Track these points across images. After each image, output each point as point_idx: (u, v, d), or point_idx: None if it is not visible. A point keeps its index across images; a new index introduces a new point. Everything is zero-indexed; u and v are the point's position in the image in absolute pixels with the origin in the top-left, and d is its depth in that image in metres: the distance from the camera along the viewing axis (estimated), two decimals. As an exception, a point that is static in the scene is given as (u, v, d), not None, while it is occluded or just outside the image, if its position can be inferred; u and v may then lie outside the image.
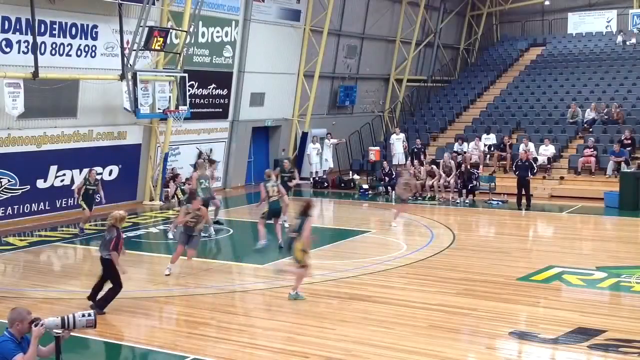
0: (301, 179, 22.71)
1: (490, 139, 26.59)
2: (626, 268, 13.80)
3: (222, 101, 25.43)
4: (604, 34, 34.92)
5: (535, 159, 23.55)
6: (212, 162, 20.72)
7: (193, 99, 23.06)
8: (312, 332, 10.11)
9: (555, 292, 12.40)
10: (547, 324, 10.42)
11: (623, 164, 23.03)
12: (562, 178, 24.45)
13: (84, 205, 17.63)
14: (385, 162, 25.86)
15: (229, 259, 15.47)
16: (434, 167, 24.05)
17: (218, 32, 24.56)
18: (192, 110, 22.17)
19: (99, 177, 21.35)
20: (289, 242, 12.13)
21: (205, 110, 24.63)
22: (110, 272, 11.09)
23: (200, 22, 22.96)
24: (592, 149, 24.31)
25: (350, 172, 27.89)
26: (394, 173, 25.24)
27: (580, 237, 18.48)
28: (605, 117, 26.57)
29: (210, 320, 10.74)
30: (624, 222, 19.97)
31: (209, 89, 24.72)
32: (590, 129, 26.35)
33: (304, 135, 28.38)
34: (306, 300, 11.78)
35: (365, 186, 25.67)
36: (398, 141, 26.89)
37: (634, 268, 13.75)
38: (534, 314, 11.23)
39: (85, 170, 20.84)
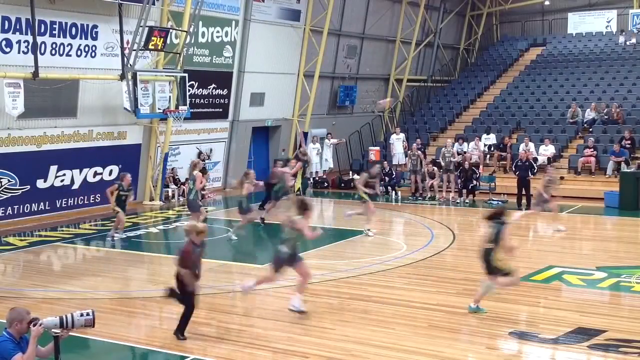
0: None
1: (490, 139, 26.60)
2: (626, 268, 13.80)
3: (222, 101, 25.43)
4: (604, 34, 34.93)
5: (536, 159, 23.55)
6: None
7: (193, 99, 23.07)
8: (312, 332, 10.11)
9: (555, 292, 12.40)
10: (547, 324, 10.42)
11: (623, 164, 23.03)
12: (562, 178, 24.42)
13: (118, 209, 16.75)
14: (385, 162, 25.86)
15: (229, 259, 15.45)
16: (435, 168, 24.04)
17: (218, 32, 24.56)
18: (192, 110, 22.19)
19: (96, 178, 21.45)
20: (484, 252, 10.75)
21: (205, 110, 24.64)
22: (180, 290, 9.90)
23: (200, 22, 22.97)
24: (592, 149, 24.32)
25: (350, 172, 27.89)
26: (394, 173, 25.28)
27: (580, 237, 18.47)
28: (605, 117, 26.58)
29: (210, 320, 10.73)
30: (624, 222, 19.96)
31: (209, 89, 24.73)
32: (590, 129, 26.36)
33: (304, 135, 28.37)
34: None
35: (366, 186, 25.61)
36: (398, 141, 26.89)
37: (634, 268, 13.75)
38: (534, 314, 11.22)
39: (86, 169, 20.98)
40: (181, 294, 9.88)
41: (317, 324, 10.47)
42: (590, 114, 26.97)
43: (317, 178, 26.94)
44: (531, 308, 11.51)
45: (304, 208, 10.98)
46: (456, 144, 25.78)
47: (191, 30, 21.62)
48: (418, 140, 26.30)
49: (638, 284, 12.67)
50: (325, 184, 26.75)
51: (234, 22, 25.05)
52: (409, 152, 25.22)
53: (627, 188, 21.37)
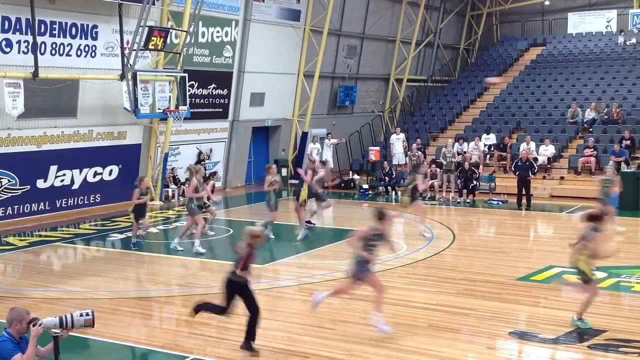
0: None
1: (490, 139, 26.60)
2: (626, 268, 13.80)
3: (222, 101, 25.43)
4: (604, 34, 34.92)
5: (536, 159, 23.55)
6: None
7: (193, 99, 23.07)
8: (312, 332, 10.11)
9: (555, 292, 12.39)
10: (547, 324, 10.41)
11: (623, 164, 23.02)
12: (562, 178, 24.45)
13: (133, 219, 16.04)
14: (385, 162, 25.86)
15: (229, 259, 15.42)
16: (438, 169, 24.04)
17: (218, 32, 24.57)
18: (192, 110, 22.19)
19: (96, 178, 21.45)
20: (576, 251, 10.37)
21: (205, 110, 24.64)
22: (246, 298, 9.44)
23: (200, 22, 22.97)
24: (592, 149, 24.32)
25: (350, 172, 27.89)
26: (394, 173, 25.27)
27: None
28: (605, 117, 26.58)
29: (210, 320, 10.72)
30: (624, 222, 19.92)
31: (209, 89, 24.73)
32: (590, 129, 26.35)
33: (304, 135, 28.38)
34: (306, 300, 11.76)
35: (365, 186, 25.66)
36: (398, 141, 26.87)
37: (634, 268, 13.75)
38: (534, 314, 11.22)
39: (86, 169, 20.98)
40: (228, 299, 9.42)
41: (317, 324, 10.46)
42: (590, 114, 26.97)
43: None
44: (531, 308, 11.51)
45: (380, 217, 10.18)
46: (456, 144, 25.79)
47: (191, 30, 21.62)
48: (418, 140, 26.30)
49: (638, 284, 12.67)
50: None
51: (234, 22, 25.06)
52: (409, 152, 25.22)
53: (627, 188, 21.32)
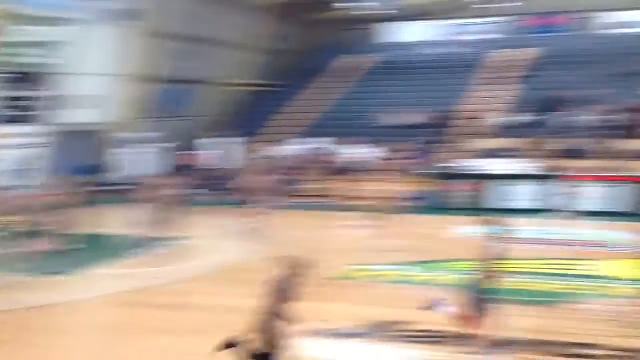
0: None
1: (315, 144, 27.39)
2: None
3: (40, 104, 24.49)
4: (436, 42, 37.16)
5: (354, 163, 24.53)
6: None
7: (9, 102, 22.15)
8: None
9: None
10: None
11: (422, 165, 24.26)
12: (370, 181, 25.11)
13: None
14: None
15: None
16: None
17: (42, 31, 23.76)
18: (10, 113, 21.32)
19: None
20: None
21: (21, 113, 23.66)
22: None
23: (23, 21, 22.13)
24: (410, 152, 25.40)
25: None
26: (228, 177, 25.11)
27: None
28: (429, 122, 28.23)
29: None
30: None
31: (27, 91, 23.81)
32: (416, 134, 27.26)
33: (123, 139, 27.60)
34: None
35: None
36: (222, 146, 27.13)
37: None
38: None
39: None
40: None
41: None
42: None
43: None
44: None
45: None
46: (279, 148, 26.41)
47: (9, 29, 20.75)
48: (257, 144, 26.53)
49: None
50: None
51: (58, 21, 24.28)
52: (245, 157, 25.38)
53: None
